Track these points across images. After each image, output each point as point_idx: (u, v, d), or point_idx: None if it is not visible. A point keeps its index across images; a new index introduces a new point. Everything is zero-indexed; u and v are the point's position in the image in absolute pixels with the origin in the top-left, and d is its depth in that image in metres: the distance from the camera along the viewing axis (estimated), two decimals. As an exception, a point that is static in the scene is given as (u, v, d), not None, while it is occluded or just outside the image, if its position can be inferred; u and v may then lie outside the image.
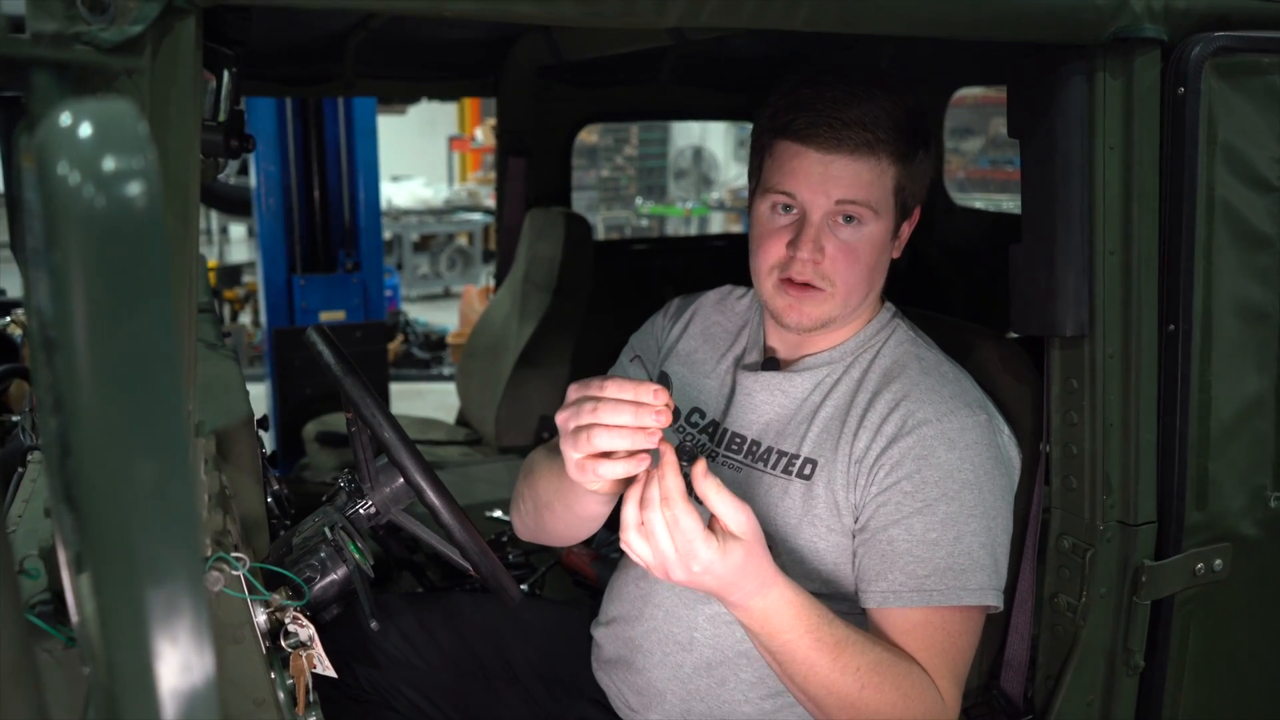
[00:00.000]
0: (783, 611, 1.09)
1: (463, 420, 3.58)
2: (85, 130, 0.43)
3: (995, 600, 1.23)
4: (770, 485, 1.31)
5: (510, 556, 2.25)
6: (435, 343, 7.06)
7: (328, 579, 1.25)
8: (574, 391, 1.05)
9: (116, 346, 0.46)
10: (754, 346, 1.44)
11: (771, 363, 1.40)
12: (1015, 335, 1.52)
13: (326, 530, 1.26)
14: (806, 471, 1.29)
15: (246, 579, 0.92)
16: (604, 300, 3.11)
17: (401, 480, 1.35)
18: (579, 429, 1.02)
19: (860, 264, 1.26)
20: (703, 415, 1.43)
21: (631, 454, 1.01)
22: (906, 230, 1.32)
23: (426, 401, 5.80)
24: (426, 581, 2.08)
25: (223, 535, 0.93)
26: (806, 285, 1.27)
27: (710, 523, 1.05)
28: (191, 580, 0.50)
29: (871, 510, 1.24)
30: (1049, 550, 1.41)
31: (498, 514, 2.49)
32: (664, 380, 1.48)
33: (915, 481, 1.22)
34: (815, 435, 1.30)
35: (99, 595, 0.49)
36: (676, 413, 1.44)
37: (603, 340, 3.75)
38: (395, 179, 10.23)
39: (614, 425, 1.00)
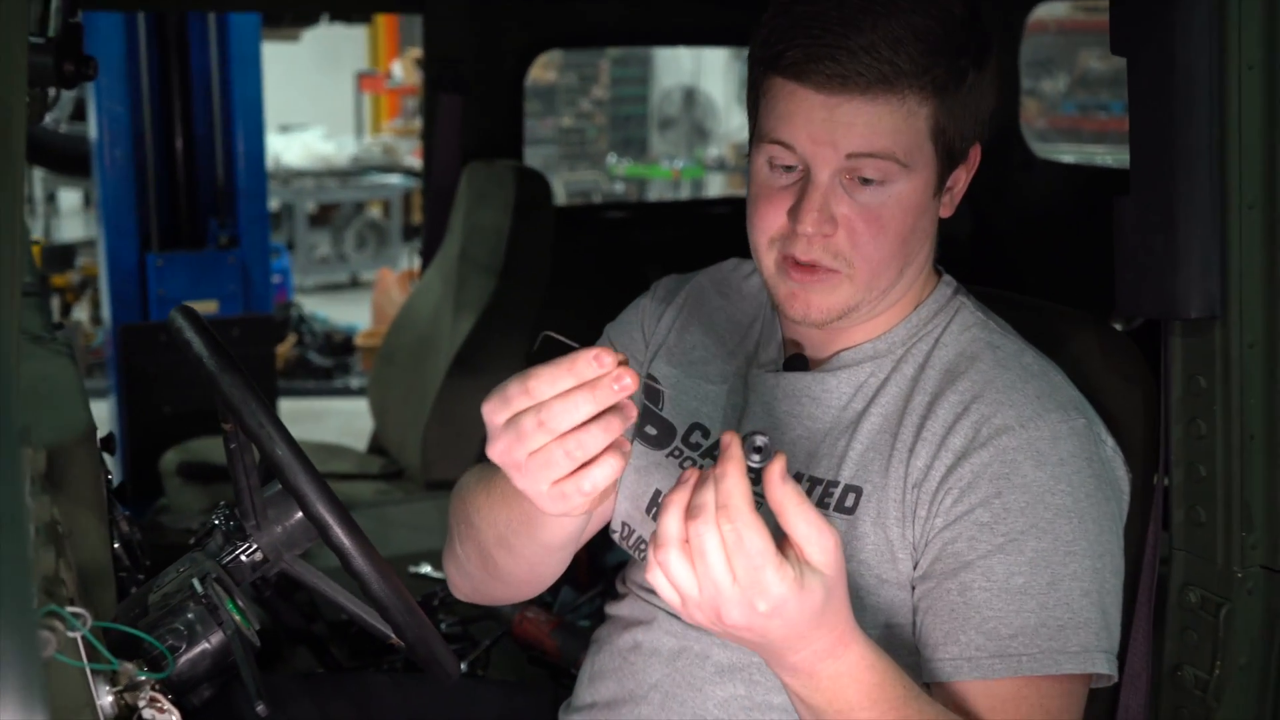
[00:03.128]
0: (860, 680, 1.06)
1: (378, 447, 3.58)
2: None
3: (1107, 667, 1.23)
4: None
5: (444, 626, 2.25)
6: (340, 345, 7.07)
7: (197, 649, 1.24)
8: (497, 413, 1.03)
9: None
10: (770, 340, 1.43)
11: (797, 361, 1.39)
12: (1121, 324, 1.53)
13: (196, 583, 1.26)
14: (849, 503, 1.29)
15: (88, 641, 0.90)
16: (567, 285, 3.13)
17: (299, 515, 1.34)
18: (534, 455, 1.00)
19: (887, 234, 1.25)
20: (706, 434, 1.41)
21: (609, 446, 0.99)
22: (962, 178, 1.32)
23: (328, 424, 5.76)
24: (330, 660, 2.09)
25: (54, 584, 0.91)
26: (814, 266, 1.26)
27: (782, 546, 0.99)
28: (21, 639, 0.50)
29: (937, 550, 1.24)
30: (1170, 608, 1.41)
31: (425, 569, 2.49)
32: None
33: (994, 509, 1.22)
34: (859, 454, 1.30)
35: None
36: (669, 430, 1.43)
37: (568, 336, 3.76)
38: (285, 129, 10.22)
39: (576, 426, 0.98)
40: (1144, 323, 1.41)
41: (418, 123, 10.97)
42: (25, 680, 0.51)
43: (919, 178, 1.25)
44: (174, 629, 1.24)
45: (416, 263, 3.73)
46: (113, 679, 0.99)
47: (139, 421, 3.89)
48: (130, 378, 3.93)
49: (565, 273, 3.10)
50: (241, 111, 4.21)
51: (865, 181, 1.24)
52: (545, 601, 2.32)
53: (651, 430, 1.44)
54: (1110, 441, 1.31)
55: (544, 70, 11.25)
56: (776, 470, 0.98)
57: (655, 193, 10.21)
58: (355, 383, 6.67)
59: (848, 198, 1.24)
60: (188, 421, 3.65)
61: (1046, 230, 2.95)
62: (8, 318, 0.83)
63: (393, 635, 1.32)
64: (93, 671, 0.93)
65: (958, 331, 1.34)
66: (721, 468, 0.97)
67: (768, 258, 1.29)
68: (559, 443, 0.99)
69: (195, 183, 4.21)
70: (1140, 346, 1.47)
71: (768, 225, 1.28)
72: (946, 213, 1.32)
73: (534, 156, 3.28)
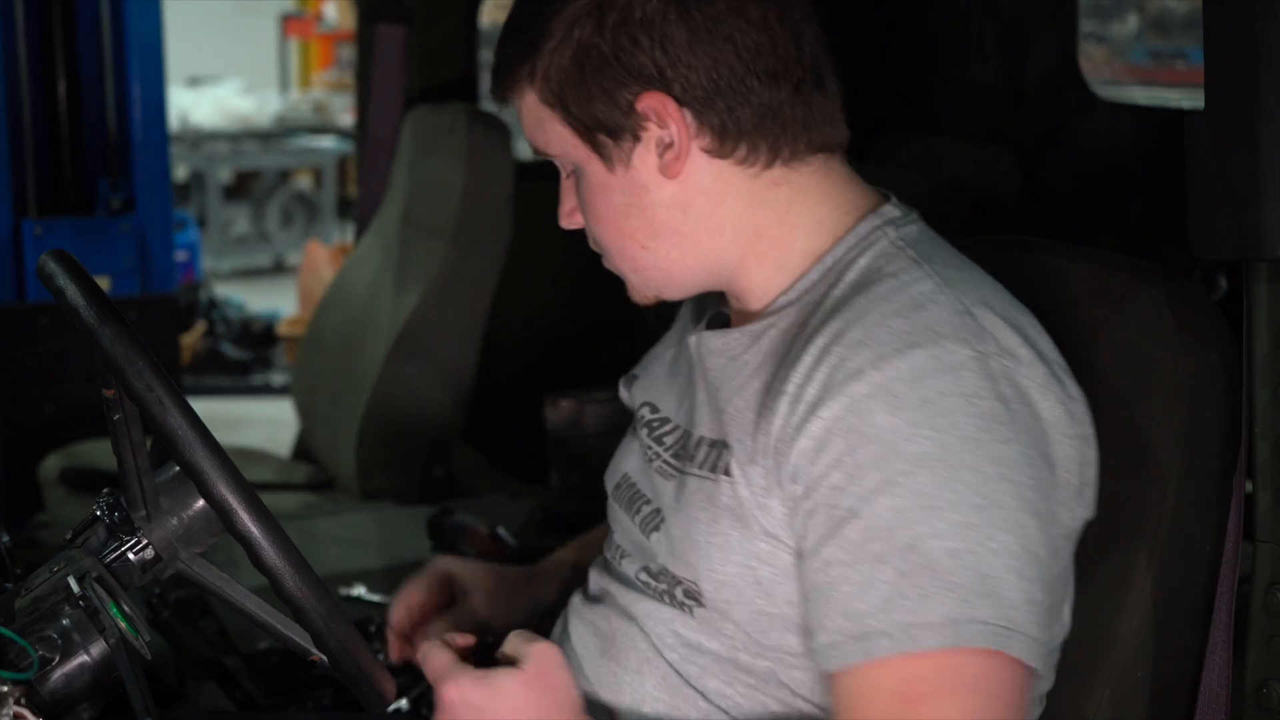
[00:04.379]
0: None
1: (304, 451, 3.59)
2: None
3: (1017, 648, 1.24)
4: (695, 492, 1.42)
5: (382, 657, 2.25)
6: (259, 335, 7.11)
7: (75, 661, 1.23)
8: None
9: None
10: (713, 306, 1.59)
11: (716, 319, 1.55)
12: (1205, 289, 1.54)
13: (72, 582, 1.25)
14: (726, 462, 1.40)
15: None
16: (530, 252, 3.13)
17: (199, 504, 1.33)
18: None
19: (593, 219, 1.47)
20: (653, 409, 1.59)
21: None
22: (665, 130, 1.40)
23: (246, 431, 5.74)
24: (243, 696, 2.08)
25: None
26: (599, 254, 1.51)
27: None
28: None
29: (801, 524, 1.32)
30: (1254, 614, 1.41)
31: (359, 591, 2.50)
32: None
33: (847, 469, 1.27)
34: (737, 408, 1.41)
35: None
36: (634, 411, 1.65)
37: (531, 316, 3.81)
38: (194, 83, 10.22)
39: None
40: (1231, 290, 1.40)
41: (351, 74, 11.01)
42: None
43: (582, 163, 1.45)
44: (45, 637, 1.24)
45: (352, 235, 3.74)
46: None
47: (14, 421, 3.86)
48: (3, 369, 3.91)
49: (530, 237, 3.09)
50: (137, 50, 4.18)
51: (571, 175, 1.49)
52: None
53: (635, 419, 1.63)
54: (1038, 375, 1.33)
55: (499, 10, 11.28)
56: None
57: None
58: (278, 379, 6.70)
59: (572, 187, 1.49)
60: (73, 422, 3.63)
61: (1111, 181, 2.96)
62: None
63: (312, 649, 1.31)
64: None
65: (864, 264, 1.40)
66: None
67: None
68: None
69: (81, 136, 4.18)
70: (1221, 306, 1.48)
71: None
72: (673, 172, 1.41)
73: (489, 106, 3.28)
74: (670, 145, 1.40)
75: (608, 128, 1.41)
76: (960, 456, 1.25)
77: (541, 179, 3.71)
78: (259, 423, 5.99)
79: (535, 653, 1.36)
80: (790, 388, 1.33)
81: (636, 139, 1.40)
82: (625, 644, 1.48)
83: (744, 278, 1.46)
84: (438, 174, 3.12)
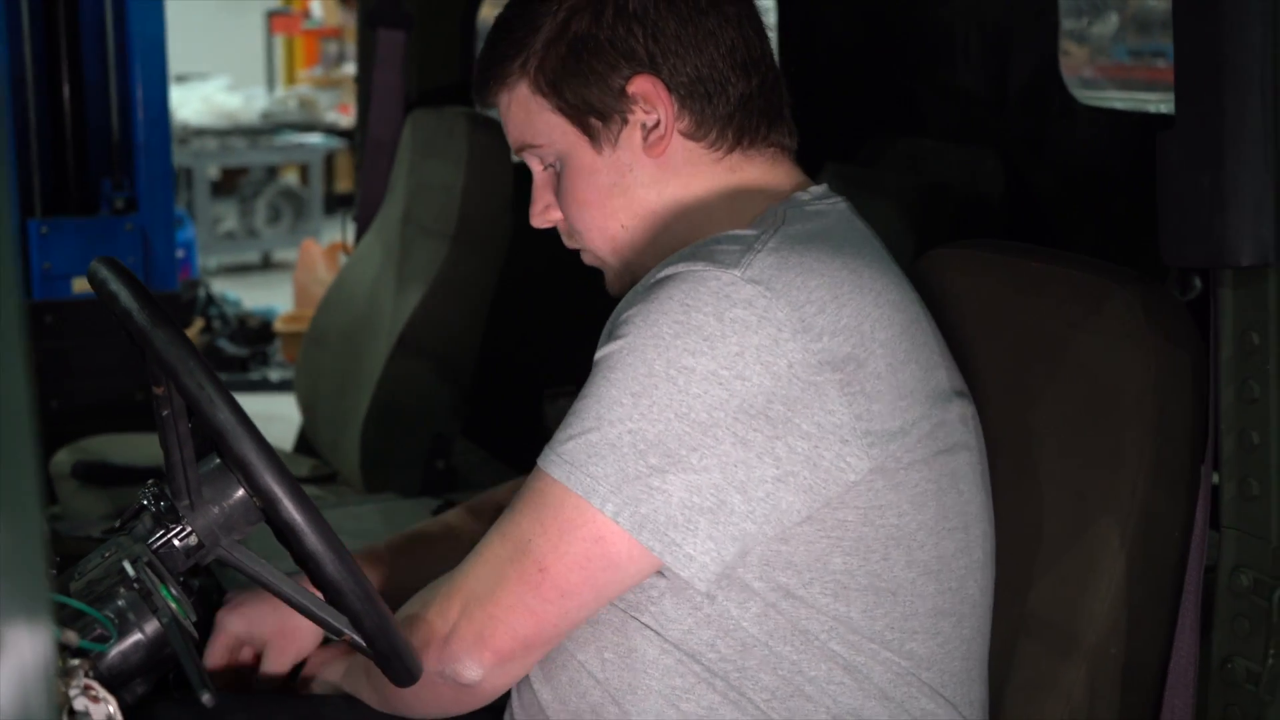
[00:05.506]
0: None
1: (306, 445, 3.62)
2: None
3: (579, 489, 1.39)
4: None
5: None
6: (256, 332, 7.11)
7: (130, 639, 1.31)
8: None
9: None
10: None
11: None
12: (1178, 292, 1.60)
13: (127, 565, 1.32)
14: None
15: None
16: (528, 251, 3.16)
17: (238, 494, 1.41)
18: None
19: (574, 203, 1.59)
20: None
21: None
22: (658, 114, 1.54)
23: (243, 426, 5.76)
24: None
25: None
26: (578, 251, 1.65)
27: None
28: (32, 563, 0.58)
29: None
30: (1219, 594, 1.49)
31: (369, 581, 2.54)
32: None
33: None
34: None
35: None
36: None
37: (532, 315, 3.80)
38: (181, 80, 10.18)
39: None
40: (1204, 292, 1.49)
41: (342, 71, 11.02)
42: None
43: (565, 148, 1.57)
44: (104, 617, 1.31)
45: (351, 233, 3.77)
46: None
47: None
48: (10, 367, 3.94)
49: (528, 237, 3.13)
50: (140, 52, 4.17)
51: (548, 167, 1.60)
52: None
53: None
54: (785, 314, 1.39)
55: (495, 8, 11.26)
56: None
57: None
58: (276, 375, 6.70)
59: (550, 186, 1.61)
60: (80, 417, 3.66)
61: (1091, 184, 3.01)
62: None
63: (347, 629, 1.39)
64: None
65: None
66: None
67: None
68: None
69: (85, 136, 4.17)
70: (1191, 309, 1.55)
71: None
72: (656, 152, 1.55)
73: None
74: (655, 126, 1.54)
75: (599, 111, 1.54)
76: (642, 346, 1.38)
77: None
78: (258, 418, 5.94)
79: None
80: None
81: (624, 121, 1.54)
82: None
83: None
84: (438, 176, 3.15)
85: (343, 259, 4.10)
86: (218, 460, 1.43)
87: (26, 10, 4.03)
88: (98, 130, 4.20)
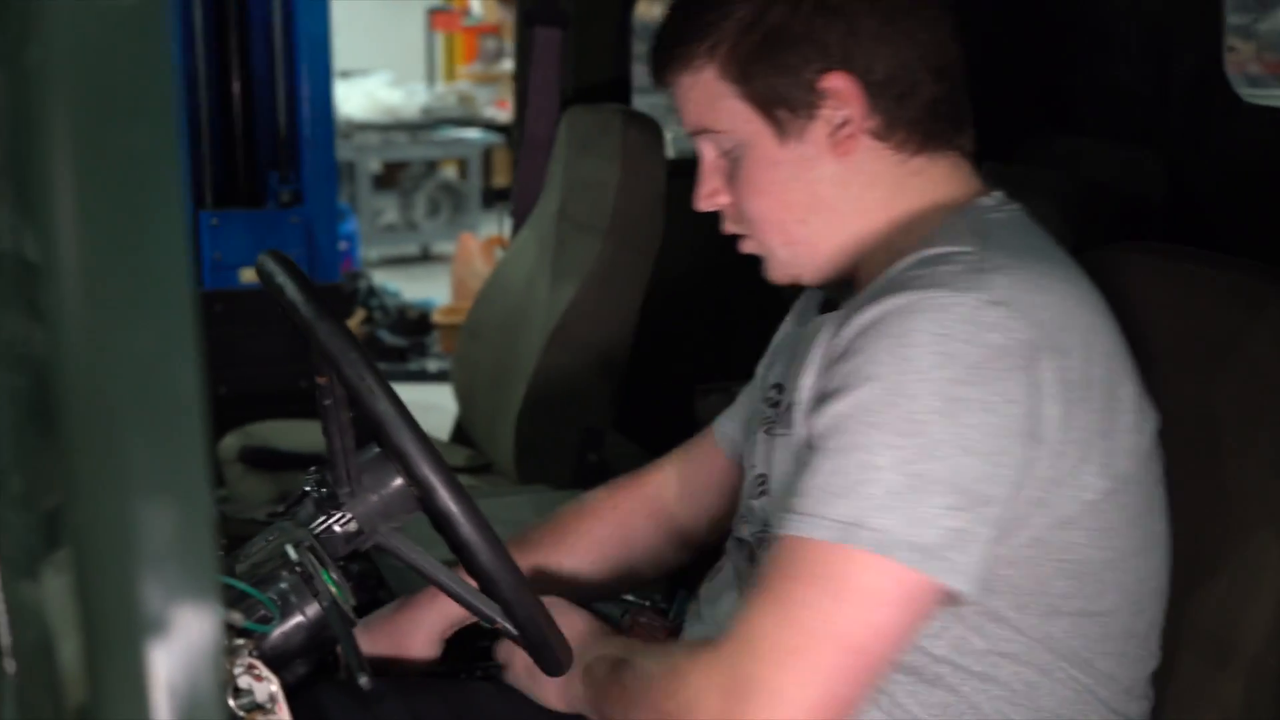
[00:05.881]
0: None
1: (462, 436, 3.67)
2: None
3: (873, 545, 1.30)
4: (781, 450, 1.54)
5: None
6: (415, 323, 7.19)
7: (292, 621, 1.35)
8: None
9: (110, 175, 0.56)
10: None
11: (826, 305, 1.65)
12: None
13: (290, 549, 1.36)
14: (792, 416, 1.50)
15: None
16: (681, 247, 3.19)
17: (396, 482, 1.45)
18: None
19: (750, 193, 1.54)
20: (780, 390, 1.65)
21: None
22: (847, 113, 1.48)
23: (402, 415, 5.86)
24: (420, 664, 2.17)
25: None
26: (740, 238, 1.59)
27: None
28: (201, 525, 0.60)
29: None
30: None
31: (520, 569, 2.57)
32: None
33: (832, 375, 1.40)
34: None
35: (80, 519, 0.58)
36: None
37: (684, 310, 3.81)
38: (344, 75, 10.38)
39: None
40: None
41: (500, 67, 11.14)
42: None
43: (748, 137, 1.52)
44: (268, 599, 1.36)
45: (507, 226, 3.81)
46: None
47: None
48: (180, 354, 4.04)
49: (680, 234, 3.14)
50: (306, 50, 4.27)
51: (723, 153, 1.55)
52: (661, 608, 2.41)
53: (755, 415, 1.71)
54: (1032, 334, 1.35)
55: (651, 5, 11.29)
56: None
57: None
58: (433, 366, 6.78)
59: (720, 170, 1.56)
60: (247, 403, 3.74)
61: (1255, 186, 2.94)
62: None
63: (498, 618, 1.42)
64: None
65: (928, 253, 1.48)
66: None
67: None
68: None
69: (254, 131, 4.28)
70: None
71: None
72: (844, 151, 1.50)
73: (640, 106, 3.32)
74: (843, 125, 1.49)
75: (789, 103, 1.49)
76: (911, 387, 1.33)
77: (692, 177, 3.79)
78: (416, 407, 6.04)
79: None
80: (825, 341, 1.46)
81: (812, 116, 1.49)
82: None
83: (867, 264, 1.53)
84: (593, 172, 3.16)
85: (499, 253, 4.14)
86: (377, 449, 1.47)
87: (200, 11, 4.14)
88: (265, 125, 4.31)
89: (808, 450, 1.40)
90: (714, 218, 1.61)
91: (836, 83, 1.48)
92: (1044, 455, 1.35)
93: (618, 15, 3.57)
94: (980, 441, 1.32)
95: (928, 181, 1.53)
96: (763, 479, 1.58)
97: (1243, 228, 2.95)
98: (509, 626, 1.40)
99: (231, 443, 3.40)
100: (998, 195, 1.56)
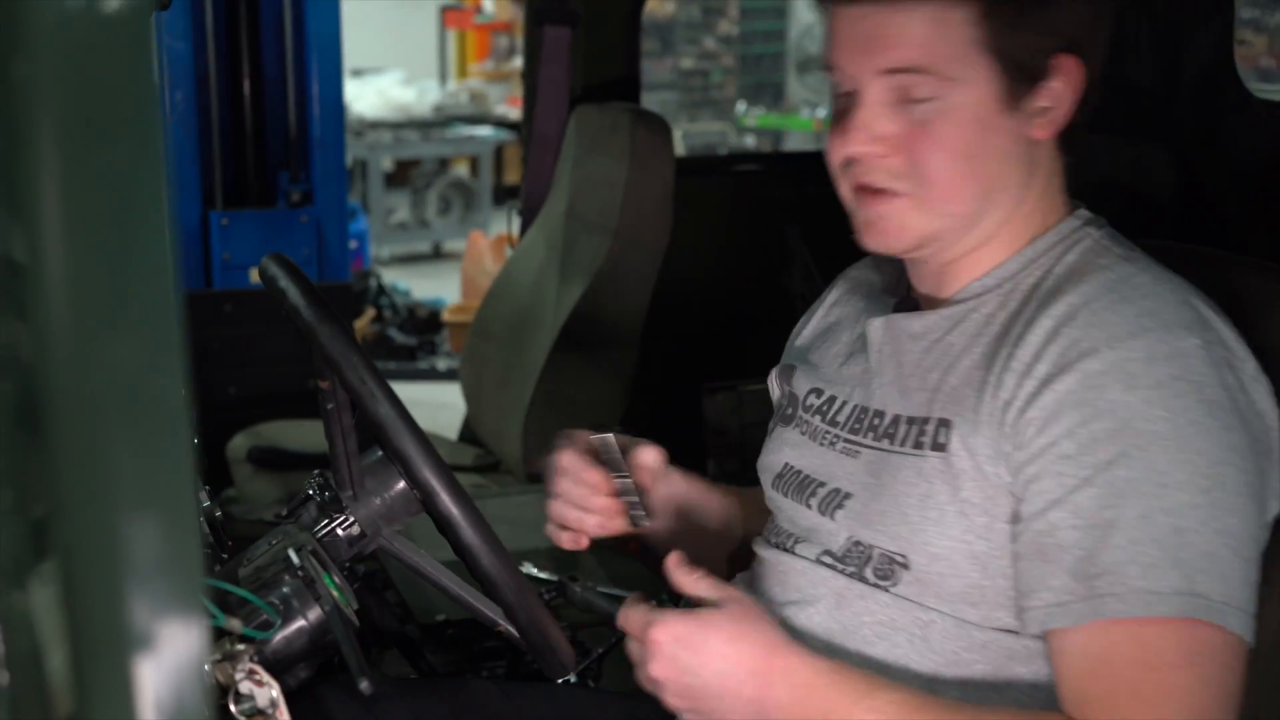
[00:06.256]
0: (818, 680, 1.32)
1: (470, 435, 3.68)
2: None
3: (1237, 625, 1.26)
4: (900, 469, 1.42)
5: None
6: (425, 321, 7.22)
7: (294, 625, 1.35)
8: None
9: (96, 185, 0.56)
10: (897, 293, 1.60)
11: (905, 303, 1.56)
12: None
13: (292, 554, 1.36)
14: (941, 439, 1.40)
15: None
16: (689, 246, 3.18)
17: (399, 486, 1.44)
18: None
19: (944, 151, 1.38)
20: (819, 394, 1.59)
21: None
22: (1064, 96, 1.40)
23: (413, 413, 5.82)
24: (424, 664, 2.17)
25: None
26: (881, 191, 1.42)
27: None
28: (187, 532, 0.60)
29: (1022, 489, 1.33)
30: None
31: (528, 569, 2.56)
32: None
33: (1079, 439, 1.30)
34: (951, 389, 1.42)
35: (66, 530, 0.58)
36: (794, 400, 1.64)
37: (692, 310, 3.82)
38: (357, 74, 10.42)
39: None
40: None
41: (511, 65, 11.19)
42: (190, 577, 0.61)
43: (973, 91, 1.37)
44: (268, 604, 1.35)
45: (516, 225, 3.81)
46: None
47: (201, 403, 3.96)
48: (191, 353, 4.03)
49: (688, 232, 3.15)
50: (317, 49, 4.28)
51: (912, 98, 1.37)
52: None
53: (788, 409, 1.65)
54: (1250, 368, 1.35)
55: (661, 2, 11.29)
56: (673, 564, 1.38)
57: (792, 147, 10.19)
58: (443, 364, 6.80)
59: (896, 115, 1.39)
60: (257, 403, 3.76)
61: (1267, 182, 2.92)
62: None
63: (501, 621, 1.41)
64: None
65: (1075, 256, 1.44)
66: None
67: (843, 188, 1.46)
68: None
69: (264, 131, 4.29)
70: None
71: (833, 153, 1.44)
72: (1042, 134, 1.42)
73: (648, 103, 3.32)
74: (1050, 109, 1.40)
75: (1029, 70, 1.38)
76: (1190, 439, 1.28)
77: (700, 175, 3.78)
78: (425, 406, 6.10)
79: (729, 594, 1.35)
80: (1017, 365, 1.35)
81: (1034, 90, 1.39)
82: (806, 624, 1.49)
83: (970, 254, 1.46)
84: (601, 171, 3.16)
85: (508, 251, 4.14)
86: (380, 453, 1.47)
87: (210, 11, 4.15)
88: (276, 125, 4.32)
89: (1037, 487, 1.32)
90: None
91: (1069, 65, 1.40)
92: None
93: (627, 14, 3.57)
94: (1257, 485, 1.32)
95: (1055, 185, 1.48)
96: (838, 494, 1.49)
97: (1254, 224, 2.93)
98: (511, 629, 1.40)
99: (240, 443, 3.41)
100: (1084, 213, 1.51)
